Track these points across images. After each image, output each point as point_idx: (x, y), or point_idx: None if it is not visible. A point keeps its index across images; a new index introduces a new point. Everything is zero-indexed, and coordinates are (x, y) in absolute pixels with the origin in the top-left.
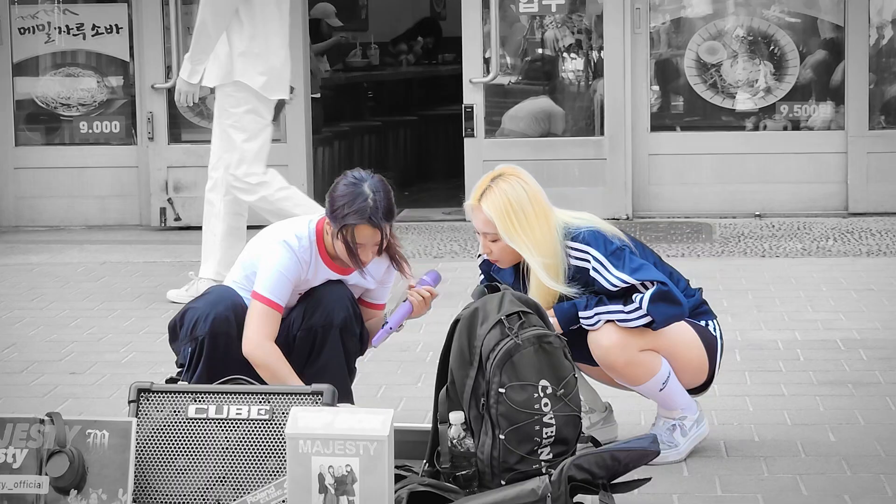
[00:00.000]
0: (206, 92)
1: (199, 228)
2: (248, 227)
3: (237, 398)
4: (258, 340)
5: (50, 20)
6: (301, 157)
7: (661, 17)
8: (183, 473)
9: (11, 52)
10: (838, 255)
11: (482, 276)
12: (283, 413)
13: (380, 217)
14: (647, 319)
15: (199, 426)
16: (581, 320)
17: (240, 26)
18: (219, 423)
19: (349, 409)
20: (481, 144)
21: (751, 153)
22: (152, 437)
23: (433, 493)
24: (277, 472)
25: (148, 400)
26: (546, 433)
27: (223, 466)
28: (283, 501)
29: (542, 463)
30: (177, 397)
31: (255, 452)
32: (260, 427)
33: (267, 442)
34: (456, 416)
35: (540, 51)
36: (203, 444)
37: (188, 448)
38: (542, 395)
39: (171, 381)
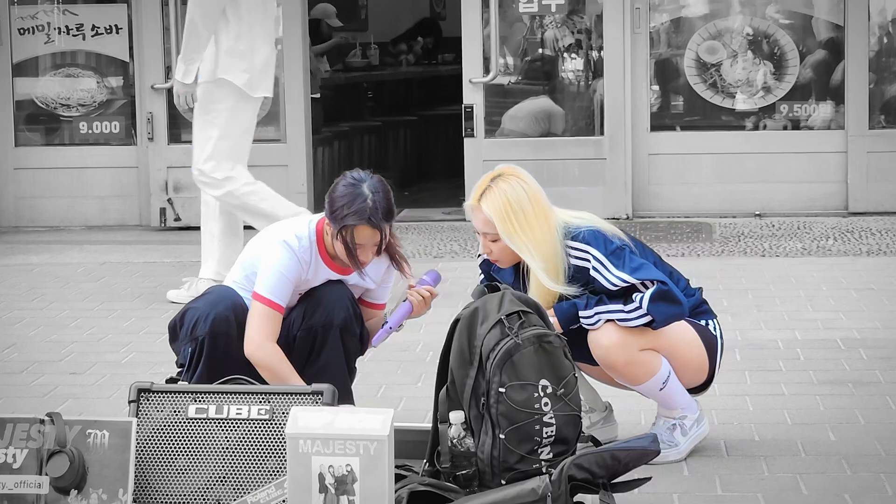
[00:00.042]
0: None
1: (199, 229)
2: (247, 228)
3: (237, 398)
4: (260, 341)
5: (50, 20)
6: (301, 157)
7: (660, 17)
8: (183, 473)
9: (11, 52)
10: (838, 254)
11: (482, 276)
12: (283, 413)
13: (379, 217)
14: (648, 319)
15: (199, 426)
16: (581, 320)
17: (226, 24)
18: (219, 422)
19: (349, 409)
20: (481, 144)
21: (751, 153)
22: (152, 437)
23: (433, 493)
24: (278, 471)
25: (148, 400)
26: (546, 433)
27: (223, 466)
28: (284, 501)
29: (543, 462)
30: (177, 397)
31: (256, 452)
32: (260, 427)
33: (267, 442)
34: (456, 416)
35: (540, 51)
36: (203, 444)
37: (188, 448)
38: (542, 394)
39: (171, 381)
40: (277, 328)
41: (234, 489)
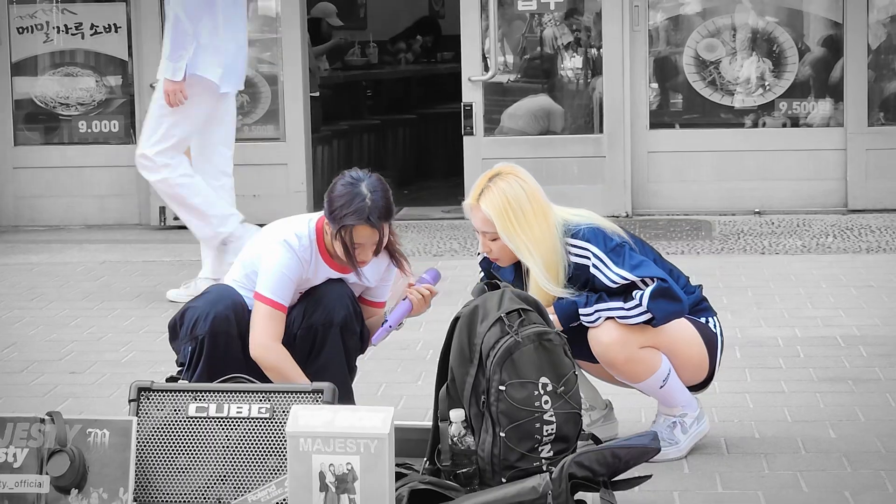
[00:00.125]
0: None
1: None
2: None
3: (238, 397)
4: (266, 342)
5: (48, 20)
6: (300, 155)
7: (659, 15)
8: (184, 472)
9: (10, 51)
10: (838, 251)
11: (482, 274)
12: (283, 411)
13: (378, 217)
14: (648, 316)
15: (199, 425)
16: (581, 317)
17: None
18: (219, 421)
19: (350, 408)
20: (480, 142)
21: (750, 150)
22: (153, 435)
23: (434, 491)
24: (278, 470)
25: (148, 399)
26: (546, 431)
27: (224, 465)
28: (284, 500)
29: (543, 460)
30: (177, 396)
31: (256, 451)
32: (260, 425)
33: (267, 440)
34: (456, 414)
35: (539, 49)
36: (204, 443)
37: (189, 447)
38: (542, 392)
39: (171, 379)
40: (282, 328)
41: (234, 488)
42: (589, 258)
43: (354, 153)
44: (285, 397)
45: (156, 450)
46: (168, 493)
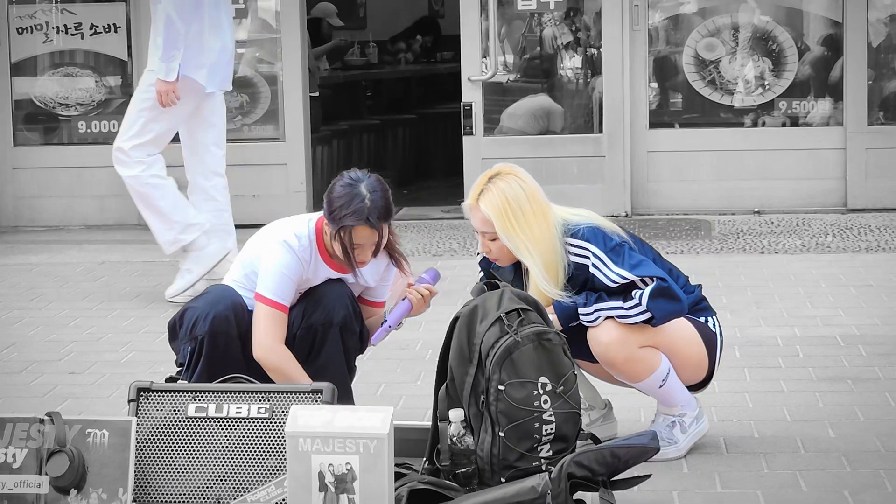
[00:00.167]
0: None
1: None
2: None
3: (237, 397)
4: (270, 344)
5: (48, 20)
6: (300, 155)
7: (659, 14)
8: (183, 472)
9: (10, 51)
10: (837, 251)
11: (481, 274)
12: (282, 411)
13: (377, 217)
14: (647, 316)
15: (198, 425)
16: (581, 317)
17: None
18: (219, 421)
19: (349, 408)
20: (480, 142)
21: (749, 150)
22: (152, 436)
23: (433, 491)
24: (277, 470)
25: (148, 399)
26: (546, 430)
27: (223, 465)
28: (284, 500)
29: (542, 460)
30: (176, 396)
31: (255, 451)
32: (260, 425)
33: (267, 440)
34: (456, 414)
35: (538, 48)
36: (203, 443)
37: (188, 447)
38: (541, 392)
39: (170, 380)
40: (284, 329)
41: (233, 488)
42: (588, 258)
43: (354, 153)
44: (284, 397)
45: (155, 450)
46: (167, 494)
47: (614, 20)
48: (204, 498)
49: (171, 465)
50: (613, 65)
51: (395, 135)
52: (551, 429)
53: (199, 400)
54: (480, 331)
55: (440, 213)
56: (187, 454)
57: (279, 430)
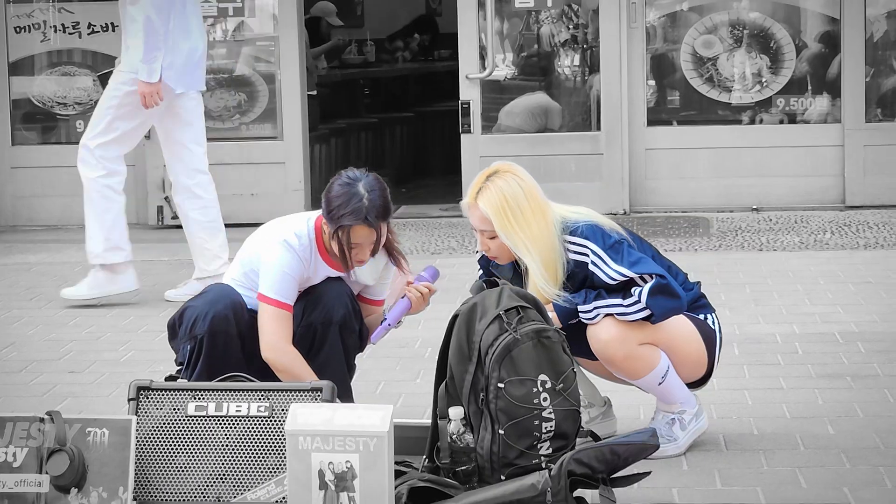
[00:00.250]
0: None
1: None
2: (243, 225)
3: (236, 395)
4: (278, 344)
5: (45, 19)
6: (298, 154)
7: (656, 12)
8: (183, 471)
9: (7, 51)
10: (836, 248)
11: (480, 271)
12: (282, 410)
13: (375, 217)
14: (646, 313)
15: (198, 423)
16: (580, 314)
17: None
18: (218, 420)
19: (349, 406)
20: (478, 140)
21: (747, 147)
22: (152, 434)
23: (433, 489)
24: (277, 468)
25: (147, 398)
26: (545, 428)
27: (223, 464)
28: (284, 498)
29: (542, 458)
30: (176, 395)
31: (255, 449)
32: (260, 424)
33: (267, 439)
34: (455, 412)
35: (536, 46)
36: (203, 442)
37: (188, 445)
38: (541, 389)
39: (170, 378)
40: (290, 328)
41: (233, 486)
42: (587, 255)
43: (352, 151)
44: (284, 396)
45: (155, 449)
46: (167, 492)
47: (612, 17)
48: (204, 496)
49: (171, 463)
50: (611, 62)
51: (393, 133)
52: (551, 426)
53: (199, 398)
54: (480, 328)
55: (438, 211)
56: (187, 453)
57: (279, 428)
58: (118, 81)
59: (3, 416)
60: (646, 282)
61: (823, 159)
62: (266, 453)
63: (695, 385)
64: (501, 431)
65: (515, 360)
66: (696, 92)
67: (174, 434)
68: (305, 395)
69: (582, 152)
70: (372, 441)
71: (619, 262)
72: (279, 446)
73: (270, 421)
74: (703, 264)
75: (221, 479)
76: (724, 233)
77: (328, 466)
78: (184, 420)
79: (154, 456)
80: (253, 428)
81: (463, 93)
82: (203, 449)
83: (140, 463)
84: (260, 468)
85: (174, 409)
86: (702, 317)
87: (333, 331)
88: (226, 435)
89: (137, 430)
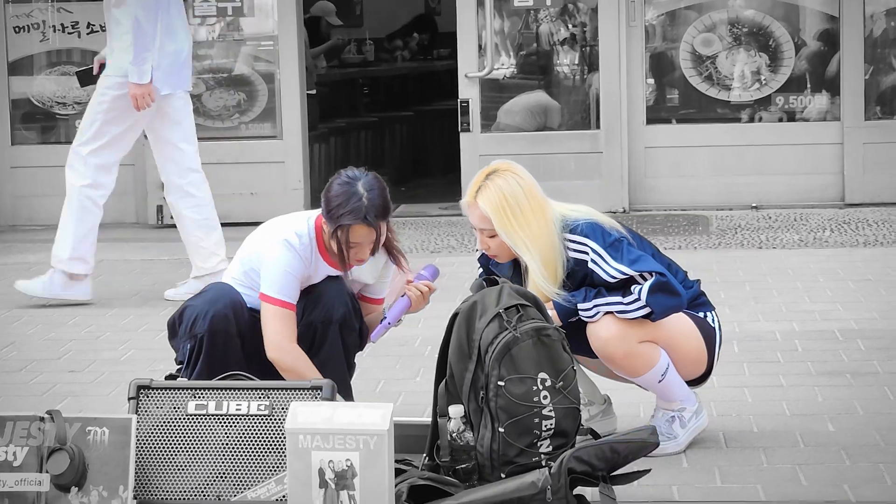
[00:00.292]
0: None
1: None
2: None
3: (236, 394)
4: (282, 344)
5: (45, 18)
6: (297, 153)
7: (655, 10)
8: (183, 470)
9: (6, 50)
10: (835, 245)
11: (480, 270)
12: (282, 408)
13: (374, 216)
14: (646, 310)
15: (198, 422)
16: (580, 312)
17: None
18: (218, 419)
19: (349, 404)
20: (477, 139)
21: (747, 145)
22: (152, 433)
23: (433, 487)
24: (277, 467)
25: (147, 397)
26: (545, 426)
27: (223, 462)
28: (284, 497)
29: (542, 455)
30: (176, 394)
31: (255, 448)
32: (259, 422)
33: (267, 437)
34: (455, 410)
35: (535, 45)
36: (203, 440)
37: (188, 444)
38: (541, 387)
39: (170, 377)
40: (294, 327)
41: (234, 485)
42: (587, 253)
43: (351, 150)
44: (284, 394)
45: (155, 447)
46: (168, 491)
47: (611, 16)
48: (204, 495)
49: (171, 462)
50: (610, 61)
51: (393, 132)
52: (551, 424)
53: (199, 397)
54: (479, 327)
55: (438, 209)
56: (187, 451)
57: (279, 426)
58: (105, 86)
59: (4, 416)
60: (646, 280)
61: (823, 157)
62: (266, 452)
63: (695, 383)
64: (501, 429)
65: (515, 358)
66: (696, 90)
67: (174, 433)
68: (305, 394)
69: (581, 150)
70: (372, 439)
71: (619, 260)
72: (279, 445)
73: (270, 419)
74: (703, 262)
75: (221, 477)
76: (723, 231)
77: (328, 465)
78: (184, 419)
79: (154, 455)
80: (253, 426)
81: (462, 91)
82: (203, 448)
83: (140, 462)
84: (260, 467)
85: (174, 408)
86: (701, 315)
87: (333, 329)
88: (226, 434)
89: (137, 429)
